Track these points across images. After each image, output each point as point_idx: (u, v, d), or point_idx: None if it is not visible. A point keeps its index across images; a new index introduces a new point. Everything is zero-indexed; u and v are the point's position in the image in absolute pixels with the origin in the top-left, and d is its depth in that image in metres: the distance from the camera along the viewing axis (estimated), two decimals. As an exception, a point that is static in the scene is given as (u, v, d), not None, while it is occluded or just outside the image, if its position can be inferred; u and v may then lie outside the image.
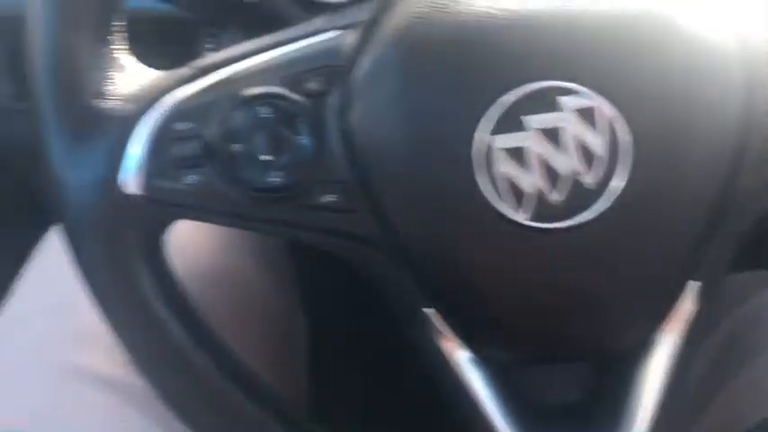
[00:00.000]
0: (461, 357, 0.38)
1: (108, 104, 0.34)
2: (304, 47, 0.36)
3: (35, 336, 0.49)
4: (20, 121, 0.64)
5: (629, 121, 0.32)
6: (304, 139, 0.35)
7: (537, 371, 0.42)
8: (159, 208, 0.36)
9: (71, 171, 0.35)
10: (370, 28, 0.35)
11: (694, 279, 0.36)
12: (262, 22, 0.50)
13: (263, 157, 0.35)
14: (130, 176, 0.35)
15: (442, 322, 0.37)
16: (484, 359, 0.38)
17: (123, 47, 0.36)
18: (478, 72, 0.33)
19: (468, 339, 0.38)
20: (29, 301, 0.52)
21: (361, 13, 0.36)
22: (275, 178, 0.35)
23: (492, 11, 0.33)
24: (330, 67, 0.35)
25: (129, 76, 0.36)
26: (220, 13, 0.50)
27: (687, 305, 0.37)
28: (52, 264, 0.53)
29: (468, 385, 0.38)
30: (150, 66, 0.38)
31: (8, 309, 0.53)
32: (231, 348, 0.40)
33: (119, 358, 0.46)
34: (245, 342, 0.42)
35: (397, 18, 0.35)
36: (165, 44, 0.52)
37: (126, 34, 0.36)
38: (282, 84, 0.35)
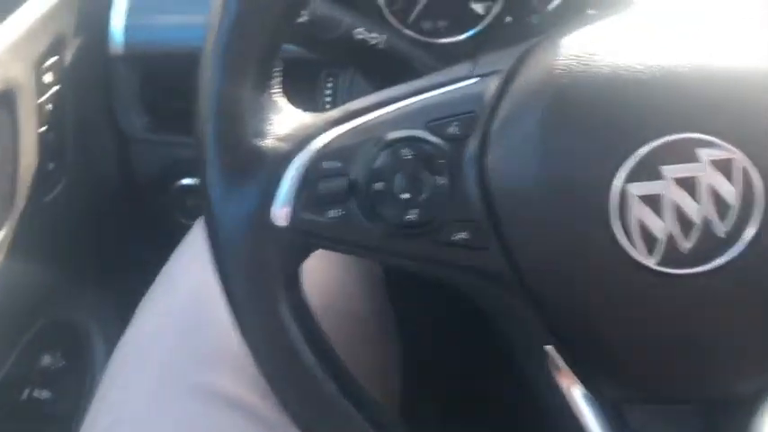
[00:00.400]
0: (578, 394, 0.39)
1: (265, 144, 0.37)
2: (446, 93, 0.38)
3: (165, 354, 0.52)
4: (153, 152, 0.69)
5: (764, 172, 0.33)
6: (442, 180, 0.37)
7: (654, 411, 0.42)
8: (302, 239, 0.38)
9: (228, 204, 0.38)
10: (510, 77, 0.37)
11: None
12: (383, 65, 0.53)
13: (402, 196, 0.37)
14: (280, 209, 0.38)
15: (561, 359, 0.38)
16: (601, 398, 0.39)
17: (279, 90, 0.39)
18: (618, 124, 0.34)
19: (587, 377, 0.39)
20: (158, 318, 0.56)
21: (501, 62, 0.39)
22: (412, 215, 0.37)
23: (632, 65, 0.35)
24: (470, 114, 0.37)
25: (284, 117, 0.39)
26: (345, 56, 0.53)
27: None
28: (179, 283, 0.57)
29: (582, 421, 0.39)
30: None
31: (139, 324, 0.56)
32: (354, 376, 0.42)
33: (246, 379, 0.49)
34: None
35: (538, 69, 0.37)
36: (286, 83, 0.55)
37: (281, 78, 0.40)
38: (425, 128, 0.37)
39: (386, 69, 0.54)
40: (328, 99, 0.60)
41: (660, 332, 0.36)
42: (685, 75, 0.34)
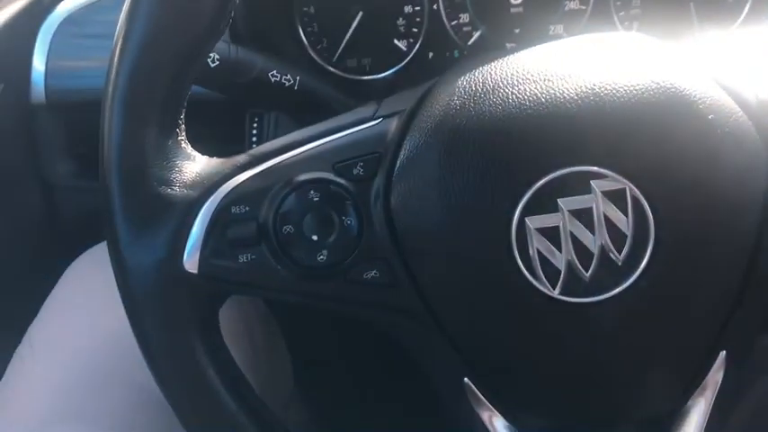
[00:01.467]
0: (499, 425, 0.40)
1: (171, 191, 0.37)
2: (351, 135, 0.39)
3: (56, 382, 0.51)
4: (79, 199, 0.68)
5: (655, 201, 0.35)
6: (350, 220, 0.37)
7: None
8: (215, 285, 0.38)
9: (136, 253, 0.37)
10: (411, 117, 0.38)
11: (723, 348, 0.38)
12: (300, 105, 0.54)
13: (311, 237, 0.37)
14: (190, 257, 0.38)
15: (480, 392, 0.39)
16: (520, 427, 0.39)
17: (184, 136, 0.39)
18: (513, 160, 0.35)
19: (505, 408, 0.39)
20: (47, 343, 0.55)
21: (403, 103, 0.40)
22: (322, 257, 0.37)
23: (523, 102, 0.36)
24: (374, 154, 0.38)
25: (191, 163, 0.39)
26: (260, 98, 0.54)
27: (717, 374, 0.38)
28: (71, 307, 0.57)
29: None
30: (200, 146, 0.41)
31: (29, 349, 0.55)
32: (276, 414, 0.42)
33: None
34: None
35: (436, 108, 0.38)
36: (212, 125, 0.55)
37: (185, 125, 0.40)
38: (332, 170, 0.38)
39: (303, 108, 0.54)
40: (254, 138, 0.60)
41: (568, 360, 0.37)
42: (576, 110, 0.35)
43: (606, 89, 0.36)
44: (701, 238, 0.35)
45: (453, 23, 0.64)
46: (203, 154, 0.40)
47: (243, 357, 0.54)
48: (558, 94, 0.36)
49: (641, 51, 0.38)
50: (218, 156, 0.40)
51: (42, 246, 0.71)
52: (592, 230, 0.35)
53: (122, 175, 0.37)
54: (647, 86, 0.36)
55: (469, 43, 0.65)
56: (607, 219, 0.35)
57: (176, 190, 0.38)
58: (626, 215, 0.35)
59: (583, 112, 0.35)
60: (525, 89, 0.36)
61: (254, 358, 0.59)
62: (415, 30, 0.65)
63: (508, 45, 0.65)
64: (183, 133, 0.39)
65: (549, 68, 0.37)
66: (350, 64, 0.66)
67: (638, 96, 0.35)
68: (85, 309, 0.57)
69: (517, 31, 0.64)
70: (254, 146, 0.60)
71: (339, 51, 0.65)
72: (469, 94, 0.37)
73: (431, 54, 0.66)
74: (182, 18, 0.37)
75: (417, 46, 0.65)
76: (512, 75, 0.37)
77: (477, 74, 0.38)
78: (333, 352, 0.78)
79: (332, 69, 0.66)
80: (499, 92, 0.36)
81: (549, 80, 0.36)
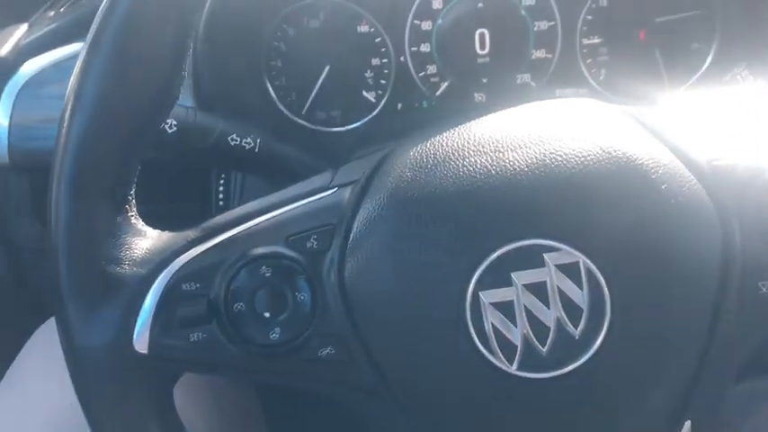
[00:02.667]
0: None
1: (121, 270, 0.37)
2: (306, 205, 0.38)
3: None
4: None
5: (609, 274, 0.34)
6: (303, 296, 0.37)
7: None
8: (166, 365, 0.37)
9: (85, 335, 0.36)
10: (365, 188, 0.38)
11: (687, 418, 0.37)
12: (261, 167, 0.53)
13: (264, 314, 0.37)
14: (140, 337, 0.37)
15: None
16: None
17: (135, 212, 0.38)
18: (466, 234, 0.35)
19: None
20: (8, 412, 0.54)
21: (358, 172, 0.39)
22: (275, 335, 0.36)
23: (475, 175, 0.35)
24: (328, 226, 0.37)
25: (141, 240, 0.38)
26: (220, 162, 0.53)
27: None
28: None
29: None
30: (167, 206, 0.40)
31: None
32: None
33: None
34: None
35: (389, 180, 0.37)
36: (180, 188, 0.54)
37: (136, 204, 0.39)
38: (285, 243, 0.37)
39: (265, 170, 0.54)
40: (221, 197, 0.60)
41: None
42: (527, 182, 0.35)
43: (557, 160, 0.35)
44: (658, 308, 0.35)
45: (421, 75, 0.64)
46: (170, 213, 0.39)
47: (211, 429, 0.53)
48: (509, 166, 0.35)
49: (592, 119, 0.37)
50: (182, 218, 0.40)
51: (8, 308, 0.70)
52: (547, 304, 0.34)
53: (70, 254, 0.36)
54: (599, 156, 0.35)
55: (438, 94, 0.65)
56: (562, 292, 0.34)
57: (126, 268, 0.37)
58: (581, 288, 0.34)
59: (533, 184, 0.35)
60: (476, 161, 0.36)
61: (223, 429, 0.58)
62: (383, 81, 0.65)
63: (476, 95, 0.65)
64: (134, 208, 0.38)
65: (500, 139, 0.37)
66: (319, 116, 0.66)
67: (589, 167, 0.35)
68: (53, 375, 0.56)
69: (485, 80, 0.64)
70: (221, 203, 0.59)
71: (308, 104, 0.65)
72: (421, 166, 0.37)
73: (400, 105, 0.66)
74: (130, 92, 0.36)
75: (386, 97, 0.65)
76: (463, 146, 0.37)
77: (429, 145, 0.38)
78: (313, 425, 0.75)
79: (301, 122, 0.65)
80: (450, 164, 0.36)
81: (499, 151, 0.36)
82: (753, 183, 0.36)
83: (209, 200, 0.61)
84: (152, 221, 0.40)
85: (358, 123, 0.66)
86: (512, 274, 0.34)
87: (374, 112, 0.65)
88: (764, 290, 0.35)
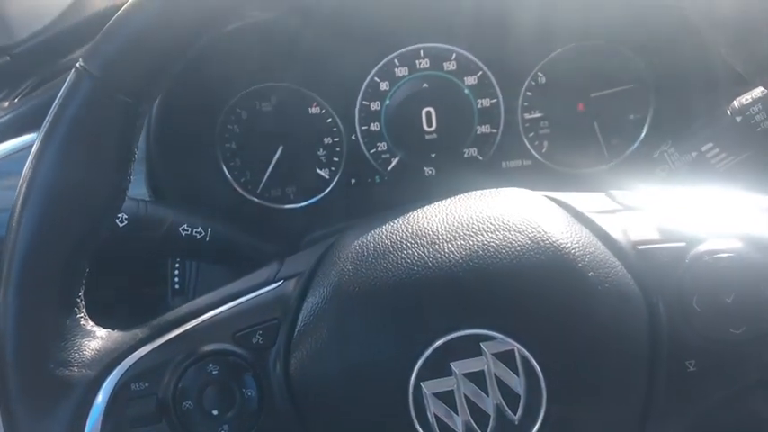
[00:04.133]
0: None
1: (69, 372, 0.37)
2: (251, 300, 0.39)
3: None
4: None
5: (543, 359, 0.35)
6: (250, 392, 0.37)
7: None
8: None
9: None
10: (309, 280, 0.39)
11: None
12: (213, 254, 0.55)
13: (212, 412, 0.37)
14: None
15: None
16: None
17: (84, 313, 0.39)
18: (406, 327, 0.36)
19: None
20: None
21: (302, 263, 0.40)
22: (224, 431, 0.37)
23: (408, 266, 0.37)
24: (273, 321, 0.38)
25: (90, 341, 0.38)
26: (171, 251, 0.54)
27: None
28: None
29: None
30: (122, 292, 0.40)
31: None
32: None
33: None
34: None
35: (331, 273, 0.38)
36: (137, 273, 0.55)
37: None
38: (231, 340, 0.38)
39: (215, 257, 0.55)
40: (177, 281, 0.60)
41: None
42: (462, 273, 0.36)
43: (489, 251, 0.37)
44: (592, 390, 0.36)
45: (372, 152, 0.67)
46: (125, 300, 0.40)
47: None
48: (444, 258, 0.37)
49: (522, 208, 0.39)
50: (141, 302, 0.40)
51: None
52: (486, 392, 0.35)
53: (18, 358, 0.37)
54: (528, 247, 0.37)
55: (389, 169, 0.67)
56: (499, 379, 0.35)
57: (75, 370, 0.37)
58: (517, 374, 0.35)
59: (467, 274, 0.36)
60: (413, 253, 0.37)
61: None
62: (335, 159, 0.67)
63: (426, 169, 0.67)
64: (83, 309, 0.39)
65: (436, 231, 0.38)
66: (274, 194, 0.67)
67: (519, 257, 0.37)
68: None
69: (433, 155, 0.66)
70: (176, 287, 0.60)
71: (263, 183, 0.67)
72: (362, 259, 0.38)
73: (353, 180, 0.67)
74: (76, 197, 0.37)
75: (339, 174, 0.67)
76: (401, 239, 0.38)
77: (369, 237, 0.39)
78: None
79: (257, 200, 0.67)
80: (389, 257, 0.38)
81: (435, 243, 0.38)
82: (676, 265, 0.38)
83: (165, 284, 0.61)
84: (109, 308, 0.40)
85: (313, 200, 0.67)
86: (451, 364, 0.35)
87: (328, 188, 0.67)
88: (692, 368, 0.37)
